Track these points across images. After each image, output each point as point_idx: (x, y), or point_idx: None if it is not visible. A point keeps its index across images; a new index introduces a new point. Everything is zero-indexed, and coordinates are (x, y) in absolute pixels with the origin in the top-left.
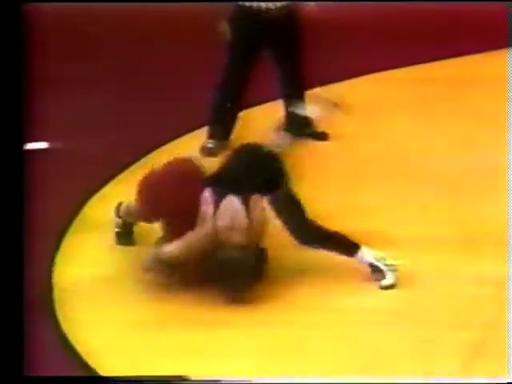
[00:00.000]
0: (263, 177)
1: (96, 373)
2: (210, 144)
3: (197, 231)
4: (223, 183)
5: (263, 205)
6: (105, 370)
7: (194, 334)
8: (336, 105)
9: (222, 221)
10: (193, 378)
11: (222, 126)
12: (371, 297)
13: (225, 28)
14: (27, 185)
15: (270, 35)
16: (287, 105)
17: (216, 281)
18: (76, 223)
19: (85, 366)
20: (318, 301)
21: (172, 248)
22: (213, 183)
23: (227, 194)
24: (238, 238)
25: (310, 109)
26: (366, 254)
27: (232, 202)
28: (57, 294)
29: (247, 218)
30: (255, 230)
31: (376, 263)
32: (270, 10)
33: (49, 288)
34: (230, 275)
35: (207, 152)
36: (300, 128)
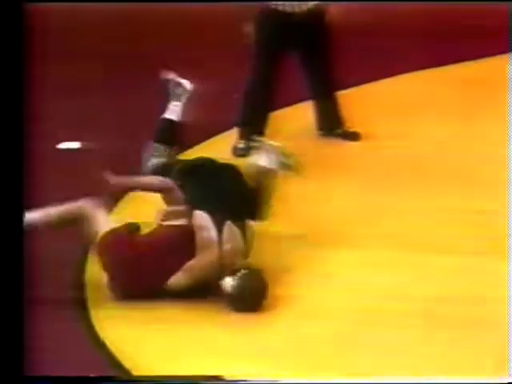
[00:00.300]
0: (251, 204)
1: (129, 372)
2: (241, 144)
3: (200, 258)
4: (219, 209)
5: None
6: (138, 369)
7: (225, 335)
8: (289, 164)
9: (228, 245)
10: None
11: (252, 127)
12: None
13: (250, 29)
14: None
15: (297, 37)
16: (316, 106)
17: (234, 303)
18: None
19: (118, 365)
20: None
21: (175, 280)
22: (206, 208)
23: (225, 219)
24: (239, 260)
25: (263, 159)
26: None
27: (231, 227)
28: (89, 293)
29: (244, 241)
30: (249, 252)
31: None
32: (297, 12)
33: (80, 286)
34: (248, 297)
35: (238, 153)
36: (331, 128)
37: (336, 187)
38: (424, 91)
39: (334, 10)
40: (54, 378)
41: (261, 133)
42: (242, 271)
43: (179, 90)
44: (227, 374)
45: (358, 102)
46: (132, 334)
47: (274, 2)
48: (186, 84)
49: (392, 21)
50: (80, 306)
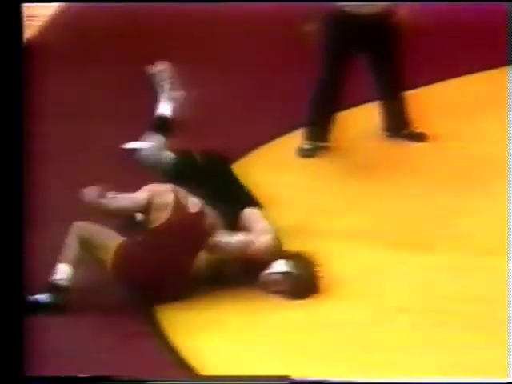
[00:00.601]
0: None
1: (197, 372)
2: (307, 145)
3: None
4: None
5: None
6: (205, 369)
7: (292, 334)
8: None
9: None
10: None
11: (319, 128)
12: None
13: (313, 28)
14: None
15: (365, 38)
16: (383, 106)
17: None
18: None
19: (186, 366)
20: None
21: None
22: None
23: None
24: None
25: None
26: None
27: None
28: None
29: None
30: None
31: None
32: (365, 13)
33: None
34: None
35: (304, 153)
36: (398, 129)
37: (402, 188)
38: (490, 91)
39: (403, 11)
40: (54, 378)
41: (327, 134)
42: (294, 258)
43: (161, 75)
44: (294, 374)
45: (425, 102)
46: (197, 335)
47: (341, 4)
48: (164, 66)
49: (457, 20)
50: (146, 306)
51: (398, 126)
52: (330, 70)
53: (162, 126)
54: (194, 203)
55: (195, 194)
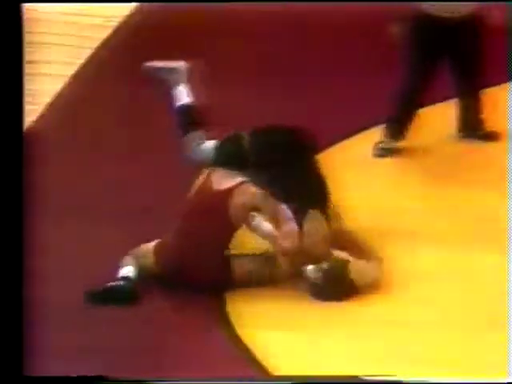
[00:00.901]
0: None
1: (268, 372)
2: (384, 144)
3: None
4: (300, 198)
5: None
6: (275, 369)
7: (360, 333)
8: None
9: (310, 236)
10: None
11: (399, 125)
12: None
13: (400, 30)
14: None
15: (451, 40)
16: (461, 106)
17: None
18: None
19: (258, 365)
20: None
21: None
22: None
23: (307, 207)
24: (324, 249)
25: None
26: None
27: (315, 215)
28: (228, 296)
29: (329, 229)
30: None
31: None
32: (451, 16)
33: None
34: (329, 288)
35: (380, 152)
36: (473, 129)
37: (476, 188)
38: None
39: (496, 12)
40: (54, 378)
41: (405, 132)
42: (326, 262)
43: (175, 75)
44: (362, 373)
45: (501, 101)
46: (265, 333)
47: (426, 5)
48: (180, 65)
49: None
50: (216, 303)
51: (474, 126)
52: (415, 71)
53: (193, 116)
54: (228, 181)
55: (256, 179)
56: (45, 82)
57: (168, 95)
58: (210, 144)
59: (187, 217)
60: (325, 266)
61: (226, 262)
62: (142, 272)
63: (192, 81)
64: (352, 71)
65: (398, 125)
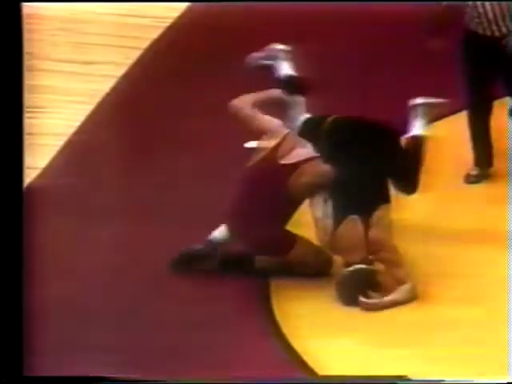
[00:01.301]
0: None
1: (314, 372)
2: (475, 171)
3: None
4: (348, 201)
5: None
6: (322, 369)
7: (409, 334)
8: None
9: (341, 240)
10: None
11: (485, 153)
12: None
13: (438, 44)
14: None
15: (501, 60)
16: None
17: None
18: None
19: (303, 365)
20: None
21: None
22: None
23: (350, 213)
24: (357, 255)
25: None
26: None
27: (353, 222)
28: (275, 297)
29: (365, 238)
30: (372, 247)
31: None
32: (497, 35)
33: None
34: (349, 293)
35: (471, 180)
36: None
37: None
38: None
39: None
40: (54, 378)
41: (490, 159)
42: (353, 267)
43: (279, 57)
44: (411, 374)
45: None
46: (316, 335)
47: (475, 26)
48: (283, 48)
49: None
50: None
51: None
52: (473, 94)
53: (293, 85)
54: (299, 154)
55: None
56: (97, 81)
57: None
58: (303, 116)
59: (246, 177)
60: (352, 268)
61: (288, 238)
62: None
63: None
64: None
65: (484, 152)
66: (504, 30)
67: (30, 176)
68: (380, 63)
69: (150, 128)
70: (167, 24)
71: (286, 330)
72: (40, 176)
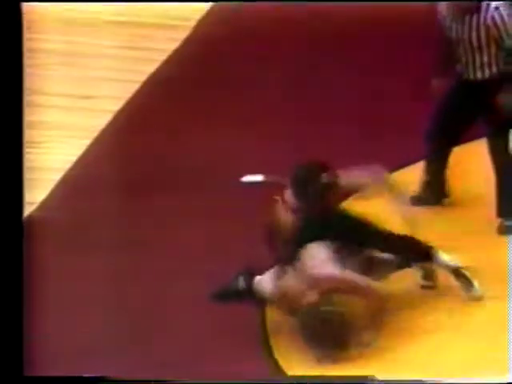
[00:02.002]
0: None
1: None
2: (509, 222)
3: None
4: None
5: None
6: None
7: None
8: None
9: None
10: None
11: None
12: None
13: (438, 84)
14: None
15: (482, 103)
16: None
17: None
18: None
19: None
20: None
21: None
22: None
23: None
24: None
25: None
26: (445, 257)
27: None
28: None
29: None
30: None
31: (460, 268)
32: (479, 79)
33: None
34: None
35: (507, 231)
36: None
37: None
38: None
39: None
40: (54, 378)
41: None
42: (319, 308)
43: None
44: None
45: None
46: None
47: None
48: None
49: None
50: None
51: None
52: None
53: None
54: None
55: None
56: (96, 116)
57: None
58: None
59: None
60: (317, 309)
61: None
62: None
63: None
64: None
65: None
66: (487, 74)
67: (28, 209)
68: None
69: (148, 163)
70: (164, 58)
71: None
72: (38, 209)
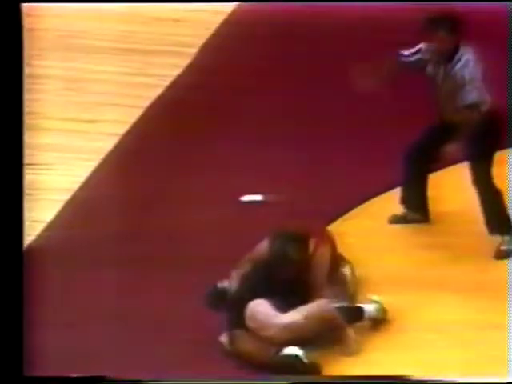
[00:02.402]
0: None
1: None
2: (506, 245)
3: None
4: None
5: None
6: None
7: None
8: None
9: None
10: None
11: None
12: None
13: None
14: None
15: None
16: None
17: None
18: None
19: None
20: None
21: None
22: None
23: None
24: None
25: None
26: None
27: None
28: None
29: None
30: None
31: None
32: (456, 120)
33: None
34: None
35: (504, 255)
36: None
37: None
38: None
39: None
40: (54, 378)
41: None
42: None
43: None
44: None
45: None
46: None
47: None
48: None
49: None
50: None
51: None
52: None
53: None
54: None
55: None
56: (101, 139)
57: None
58: None
59: None
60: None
61: None
62: None
63: None
64: None
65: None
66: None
67: (35, 229)
68: None
69: (152, 184)
70: (167, 83)
71: None
72: (45, 230)
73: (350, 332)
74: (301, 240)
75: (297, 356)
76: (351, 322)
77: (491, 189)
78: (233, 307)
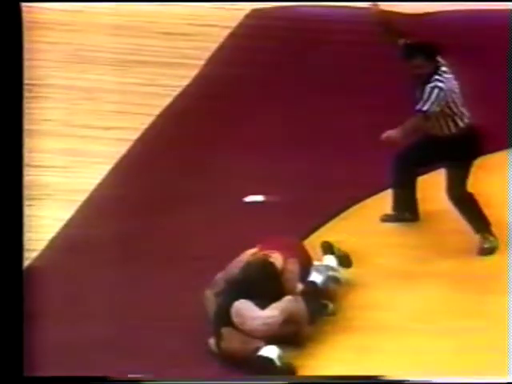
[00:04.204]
0: None
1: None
2: (488, 243)
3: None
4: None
5: None
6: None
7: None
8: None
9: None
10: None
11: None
12: None
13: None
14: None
15: (445, 154)
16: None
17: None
18: None
19: None
20: None
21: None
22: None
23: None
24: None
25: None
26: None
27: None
28: None
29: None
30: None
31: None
32: (447, 134)
33: None
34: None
35: (486, 252)
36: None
37: None
38: None
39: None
40: (54, 378)
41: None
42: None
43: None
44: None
45: None
46: None
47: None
48: None
49: None
50: None
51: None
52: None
53: None
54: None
55: None
56: (115, 145)
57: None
58: None
59: None
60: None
61: None
62: None
63: None
64: None
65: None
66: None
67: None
68: None
69: (163, 188)
70: (177, 92)
71: None
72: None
73: (308, 329)
74: (267, 265)
75: (271, 360)
76: (316, 317)
77: (465, 196)
78: (219, 309)
